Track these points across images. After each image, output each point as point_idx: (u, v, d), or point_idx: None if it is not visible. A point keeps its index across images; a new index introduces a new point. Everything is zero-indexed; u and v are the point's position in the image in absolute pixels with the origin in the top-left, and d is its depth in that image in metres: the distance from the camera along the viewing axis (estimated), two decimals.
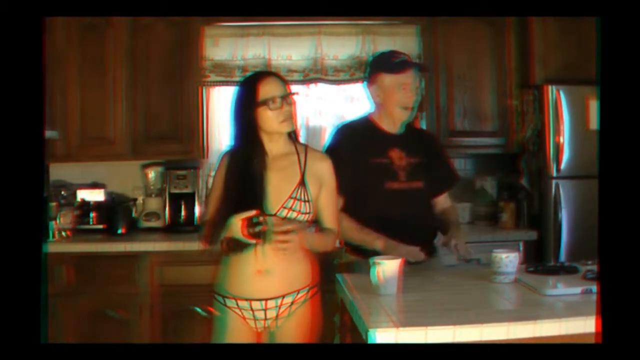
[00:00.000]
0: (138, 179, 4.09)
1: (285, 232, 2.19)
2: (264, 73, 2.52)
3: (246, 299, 2.29)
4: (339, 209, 2.50)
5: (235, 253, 2.28)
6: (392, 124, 2.64)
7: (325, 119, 4.17)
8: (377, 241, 2.49)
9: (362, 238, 2.54)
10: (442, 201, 2.79)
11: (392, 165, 2.58)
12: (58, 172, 3.99)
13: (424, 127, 3.91)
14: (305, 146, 2.44)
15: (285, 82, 2.36)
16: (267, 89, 2.29)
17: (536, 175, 3.76)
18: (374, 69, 2.64)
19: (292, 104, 2.34)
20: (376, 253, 2.37)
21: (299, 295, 2.32)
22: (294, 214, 2.29)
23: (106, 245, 3.55)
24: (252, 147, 2.31)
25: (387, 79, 2.58)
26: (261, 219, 2.15)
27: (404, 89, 2.57)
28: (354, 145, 2.60)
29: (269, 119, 2.29)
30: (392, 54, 2.69)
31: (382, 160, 2.58)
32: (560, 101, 3.60)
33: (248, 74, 2.68)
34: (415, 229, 2.58)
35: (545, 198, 3.67)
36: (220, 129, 4.09)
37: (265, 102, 2.28)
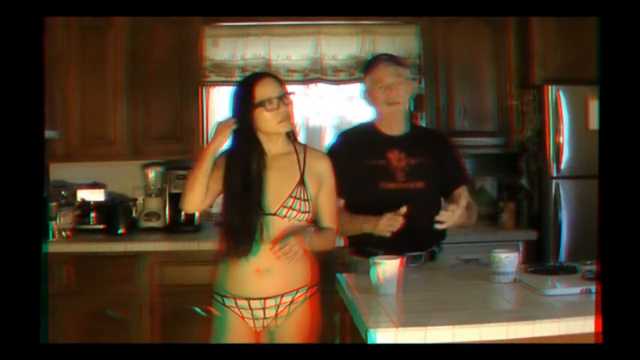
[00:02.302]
0: (138, 179, 4.09)
1: (286, 247, 2.20)
2: (260, 74, 2.51)
3: (245, 298, 2.30)
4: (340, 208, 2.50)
5: (236, 254, 2.29)
6: (391, 125, 2.63)
7: (325, 119, 4.17)
8: (364, 225, 2.46)
9: (353, 227, 2.53)
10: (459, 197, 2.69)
11: (389, 166, 2.57)
12: (58, 172, 3.99)
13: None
14: (305, 146, 2.45)
15: (281, 83, 2.36)
16: (264, 90, 2.29)
17: (536, 175, 3.75)
18: (362, 74, 2.70)
19: (289, 104, 2.34)
20: (378, 252, 2.38)
21: (298, 295, 2.32)
22: (294, 213, 2.29)
23: (106, 245, 3.55)
24: (251, 147, 2.31)
25: (367, 80, 2.62)
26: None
27: (380, 86, 2.56)
28: (351, 148, 2.60)
29: (267, 120, 2.29)
30: (373, 57, 2.73)
31: (379, 162, 2.57)
32: (560, 101, 3.60)
33: (244, 75, 2.69)
34: (415, 230, 2.57)
35: (545, 198, 3.67)
36: None
37: (262, 104, 2.27)
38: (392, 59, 2.67)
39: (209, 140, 2.30)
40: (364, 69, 2.69)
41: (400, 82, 2.58)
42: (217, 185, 2.32)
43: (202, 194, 2.29)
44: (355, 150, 2.59)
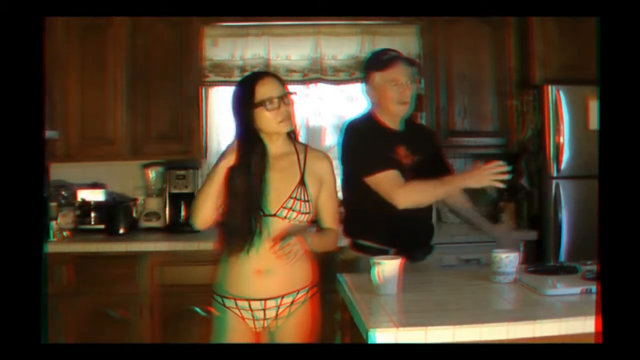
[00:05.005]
0: (138, 179, 4.09)
1: (287, 247, 2.20)
2: (261, 74, 2.51)
3: (245, 299, 2.29)
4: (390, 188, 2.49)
5: (234, 251, 2.29)
6: (392, 121, 2.65)
7: (325, 119, 4.18)
8: (465, 181, 2.45)
9: (443, 189, 2.51)
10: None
11: (400, 162, 2.59)
12: (58, 172, 3.99)
13: None
14: (305, 146, 2.44)
15: (282, 82, 2.36)
16: (265, 90, 2.28)
17: (536, 175, 3.76)
18: (366, 69, 2.69)
19: (290, 104, 2.33)
20: (378, 251, 2.39)
21: (299, 295, 2.32)
22: (294, 214, 2.29)
23: (106, 245, 3.55)
24: (252, 147, 2.31)
25: (378, 77, 2.61)
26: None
27: (395, 84, 2.57)
28: (370, 140, 2.59)
29: (267, 119, 2.29)
30: (382, 52, 2.71)
31: (394, 157, 2.58)
32: (560, 101, 3.60)
33: (245, 74, 2.68)
34: (417, 227, 2.64)
35: (545, 198, 3.66)
36: (220, 129, 4.09)
37: (262, 103, 2.27)
38: (407, 60, 2.68)
39: (219, 156, 2.31)
40: (374, 64, 2.65)
41: (412, 82, 2.61)
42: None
43: (213, 210, 2.27)
44: (369, 145, 2.58)
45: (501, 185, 2.37)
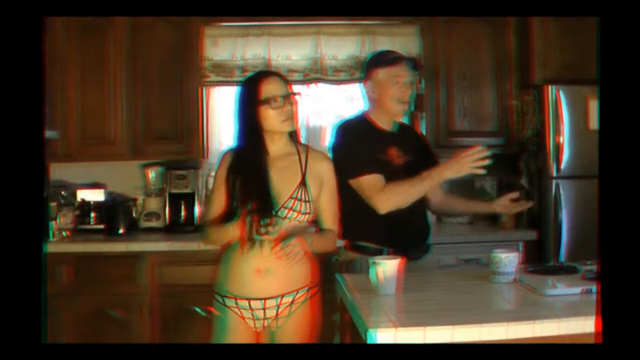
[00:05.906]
0: (138, 179, 4.08)
1: (287, 247, 2.20)
2: (266, 72, 2.52)
3: (246, 299, 2.29)
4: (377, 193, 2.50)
5: (235, 251, 2.30)
6: (387, 121, 2.66)
7: (325, 119, 4.17)
8: (444, 173, 2.46)
9: (424, 185, 2.51)
10: (435, 195, 2.79)
11: (392, 164, 2.59)
12: (58, 172, 3.99)
13: (424, 127, 3.92)
14: (306, 146, 2.45)
15: (287, 82, 2.37)
16: (269, 88, 2.29)
17: (536, 175, 3.75)
18: (369, 66, 2.70)
19: (293, 103, 2.34)
20: (375, 251, 2.39)
21: (299, 295, 2.32)
22: (294, 214, 2.29)
23: (106, 245, 3.55)
24: (254, 146, 2.31)
25: (381, 73, 2.61)
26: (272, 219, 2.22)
27: (397, 82, 2.59)
28: (357, 143, 2.59)
29: (271, 118, 2.29)
30: (386, 52, 2.74)
31: (384, 159, 2.59)
32: (560, 101, 3.59)
33: (250, 73, 2.69)
34: (414, 227, 2.64)
35: (545, 198, 3.66)
36: (220, 129, 4.10)
37: (267, 101, 2.28)
38: (411, 60, 2.70)
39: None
40: (378, 61, 2.66)
41: (413, 83, 2.64)
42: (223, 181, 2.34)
43: None
44: (360, 146, 2.58)
45: (482, 172, 2.37)
